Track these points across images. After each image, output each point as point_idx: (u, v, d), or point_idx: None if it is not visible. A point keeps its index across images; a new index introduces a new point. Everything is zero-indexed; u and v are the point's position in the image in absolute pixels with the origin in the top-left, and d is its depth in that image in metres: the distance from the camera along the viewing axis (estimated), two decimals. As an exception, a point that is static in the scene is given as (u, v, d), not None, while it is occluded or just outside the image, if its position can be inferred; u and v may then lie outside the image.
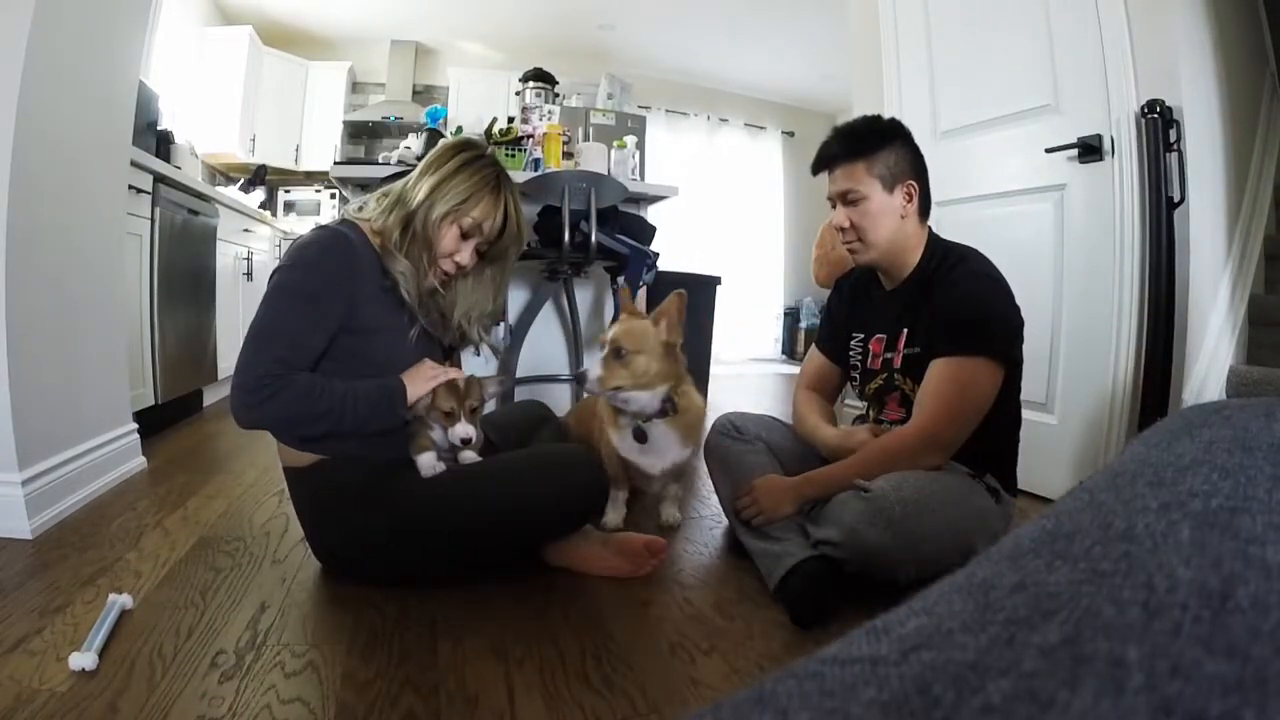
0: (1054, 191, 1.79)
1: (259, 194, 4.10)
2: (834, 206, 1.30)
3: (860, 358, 1.38)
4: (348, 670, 0.91)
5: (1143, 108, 1.57)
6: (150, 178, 2.19)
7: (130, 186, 1.92)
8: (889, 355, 1.31)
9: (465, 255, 1.20)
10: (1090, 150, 1.68)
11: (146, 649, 0.93)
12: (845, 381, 1.49)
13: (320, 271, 1.10)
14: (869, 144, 1.24)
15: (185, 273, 2.52)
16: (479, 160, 1.22)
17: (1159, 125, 1.54)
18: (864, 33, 2.37)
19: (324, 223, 1.14)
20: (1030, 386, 1.84)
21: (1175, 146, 1.56)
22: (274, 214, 4.53)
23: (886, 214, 1.24)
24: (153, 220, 2.22)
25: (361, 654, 0.95)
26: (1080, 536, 0.27)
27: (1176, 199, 1.56)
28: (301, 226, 4.48)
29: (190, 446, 2.17)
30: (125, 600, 1.03)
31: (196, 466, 1.91)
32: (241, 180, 4.12)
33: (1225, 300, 1.80)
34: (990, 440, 1.22)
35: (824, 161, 1.29)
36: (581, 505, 1.22)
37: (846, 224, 1.26)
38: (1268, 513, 0.26)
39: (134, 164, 1.97)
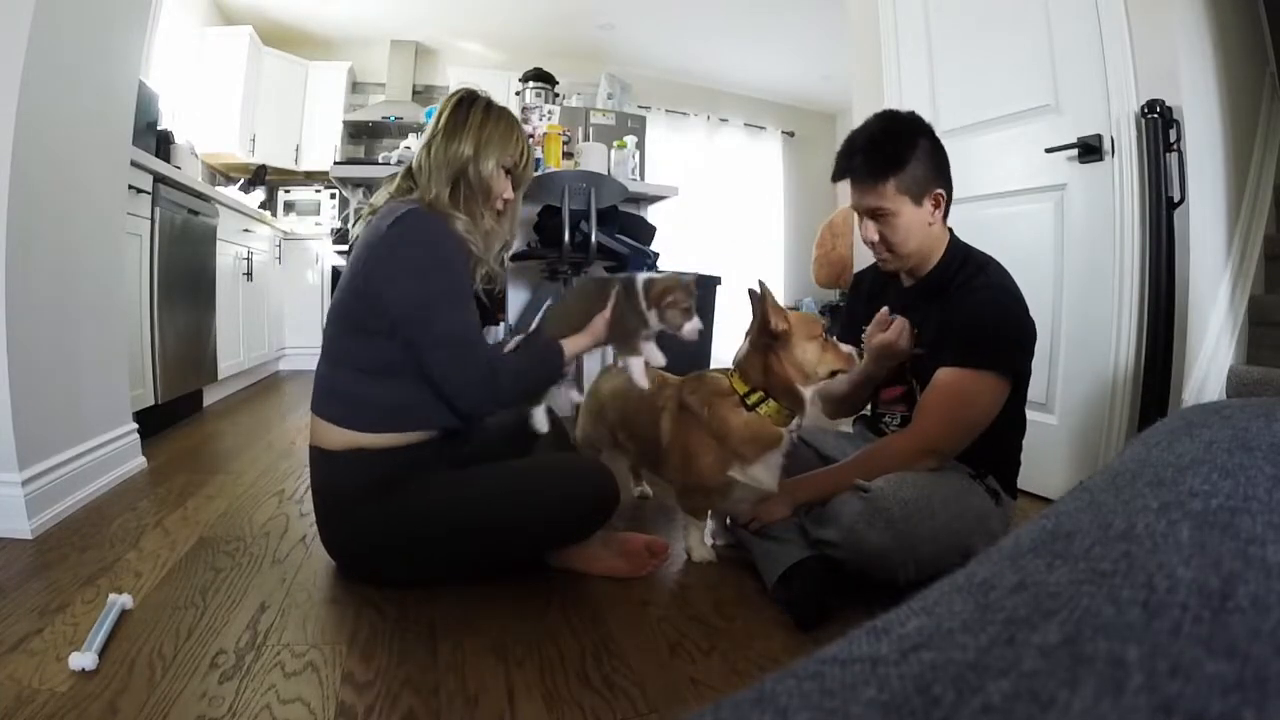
0: (1054, 191, 1.79)
1: (259, 194, 4.10)
2: (860, 218, 1.26)
3: None
4: (348, 670, 0.91)
5: (1143, 108, 1.57)
6: (150, 178, 2.19)
7: (130, 186, 1.92)
8: None
9: (510, 190, 1.30)
10: (1090, 150, 1.68)
11: (146, 649, 0.94)
12: None
13: (456, 264, 1.18)
14: (895, 158, 1.18)
15: (185, 273, 2.52)
16: (491, 104, 1.30)
17: (1159, 125, 1.54)
18: (864, 33, 2.37)
19: (408, 208, 1.17)
20: (1030, 387, 1.85)
21: (1175, 146, 1.56)
22: (274, 214, 4.53)
23: (916, 226, 1.21)
24: (153, 220, 2.22)
25: (361, 654, 0.95)
26: (1080, 536, 0.27)
27: (1176, 199, 1.56)
28: (301, 226, 4.48)
29: (190, 446, 2.17)
30: (125, 600, 1.04)
31: (196, 466, 1.91)
32: (241, 180, 4.13)
33: (1225, 300, 1.80)
34: (994, 445, 1.21)
35: (846, 174, 1.24)
36: (590, 516, 1.20)
37: (875, 238, 1.23)
38: (1268, 513, 0.26)
39: (134, 164, 1.97)
